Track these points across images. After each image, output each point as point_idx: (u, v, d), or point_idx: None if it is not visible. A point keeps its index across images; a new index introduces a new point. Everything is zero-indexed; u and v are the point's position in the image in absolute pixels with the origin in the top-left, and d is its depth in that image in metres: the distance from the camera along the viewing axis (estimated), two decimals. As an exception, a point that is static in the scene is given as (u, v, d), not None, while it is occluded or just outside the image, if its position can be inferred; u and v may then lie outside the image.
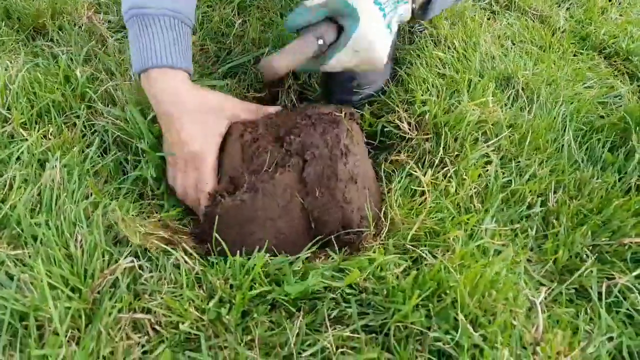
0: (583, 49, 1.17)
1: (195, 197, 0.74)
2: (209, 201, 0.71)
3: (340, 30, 0.70)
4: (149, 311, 0.59)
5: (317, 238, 0.68)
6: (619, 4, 1.36)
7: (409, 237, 0.69)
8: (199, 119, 0.73)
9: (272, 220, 0.67)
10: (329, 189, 0.66)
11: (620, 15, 1.29)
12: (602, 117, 0.96)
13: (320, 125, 0.71)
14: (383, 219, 0.73)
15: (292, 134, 0.71)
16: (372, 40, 0.69)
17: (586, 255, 0.73)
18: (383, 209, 0.75)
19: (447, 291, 0.61)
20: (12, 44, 0.97)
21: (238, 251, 0.66)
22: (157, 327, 0.58)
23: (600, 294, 0.68)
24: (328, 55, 0.70)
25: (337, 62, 0.71)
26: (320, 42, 0.69)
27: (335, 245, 0.68)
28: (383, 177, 0.82)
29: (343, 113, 0.76)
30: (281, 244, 0.68)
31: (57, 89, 0.84)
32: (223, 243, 0.65)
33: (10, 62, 0.87)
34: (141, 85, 0.74)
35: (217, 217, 0.67)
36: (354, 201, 0.68)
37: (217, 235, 0.66)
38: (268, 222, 0.67)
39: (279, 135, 0.73)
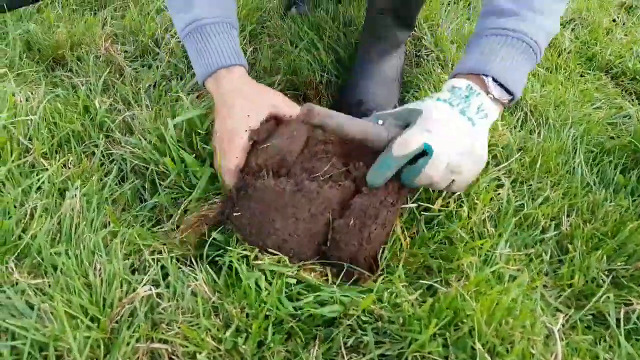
0: (590, 70, 1.18)
1: (222, 171, 0.75)
2: (233, 179, 0.72)
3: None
4: (166, 341, 0.59)
5: (323, 253, 0.69)
6: (623, 24, 1.37)
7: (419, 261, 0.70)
8: (247, 105, 0.76)
9: (297, 220, 0.68)
10: (363, 225, 0.66)
11: (625, 35, 1.30)
12: (612, 138, 0.96)
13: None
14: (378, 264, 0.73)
15: (363, 161, 0.69)
16: (441, 118, 0.64)
17: (602, 280, 0.73)
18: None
19: (464, 319, 0.61)
20: (32, 75, 1.00)
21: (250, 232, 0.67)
22: (175, 357, 0.58)
23: (618, 320, 0.67)
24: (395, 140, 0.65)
25: (411, 141, 0.63)
26: (380, 122, 0.66)
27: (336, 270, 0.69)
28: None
29: None
30: (291, 244, 0.68)
31: (77, 119, 0.86)
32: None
33: (32, 93, 0.90)
34: (209, 89, 0.80)
35: (253, 189, 0.69)
36: (373, 243, 0.68)
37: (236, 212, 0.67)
38: (292, 220, 0.68)
39: (347, 153, 0.72)
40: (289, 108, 0.79)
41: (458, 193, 0.79)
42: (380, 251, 0.72)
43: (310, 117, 0.62)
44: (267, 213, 0.68)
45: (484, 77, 0.69)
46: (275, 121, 0.78)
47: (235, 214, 0.70)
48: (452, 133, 0.64)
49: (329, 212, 0.68)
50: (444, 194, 0.78)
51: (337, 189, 0.68)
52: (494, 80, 0.69)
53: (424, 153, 0.64)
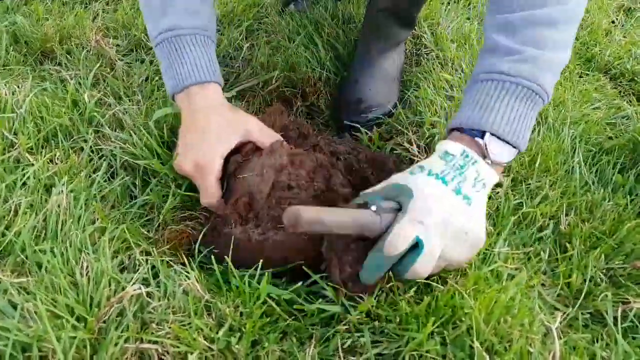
0: (589, 71, 1.18)
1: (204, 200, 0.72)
2: (218, 210, 0.70)
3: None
4: (156, 341, 0.57)
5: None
6: (622, 26, 1.37)
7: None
8: (222, 125, 0.72)
9: (267, 263, 0.65)
10: (340, 259, 0.63)
11: (624, 36, 1.30)
12: (610, 138, 0.95)
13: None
14: None
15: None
16: (433, 206, 0.57)
17: (600, 279, 0.72)
18: None
19: (462, 318, 0.60)
20: (20, 69, 0.97)
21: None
22: (165, 358, 0.56)
23: (615, 318, 0.66)
24: (385, 236, 0.57)
25: (401, 236, 0.55)
26: (374, 207, 0.59)
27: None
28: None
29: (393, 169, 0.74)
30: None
31: (65, 113, 0.84)
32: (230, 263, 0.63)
33: (18, 87, 0.88)
34: (178, 104, 0.75)
35: (222, 234, 0.68)
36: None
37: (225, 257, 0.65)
38: (263, 259, 0.65)
39: (316, 197, 0.67)
40: (261, 135, 0.74)
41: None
42: None
43: (296, 227, 0.55)
44: (239, 255, 0.65)
45: (479, 139, 0.62)
46: (254, 146, 0.74)
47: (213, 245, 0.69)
48: (446, 222, 0.57)
49: (302, 253, 0.65)
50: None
51: (303, 238, 0.65)
52: (492, 134, 0.62)
53: (416, 245, 0.57)
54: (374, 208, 0.58)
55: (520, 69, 0.62)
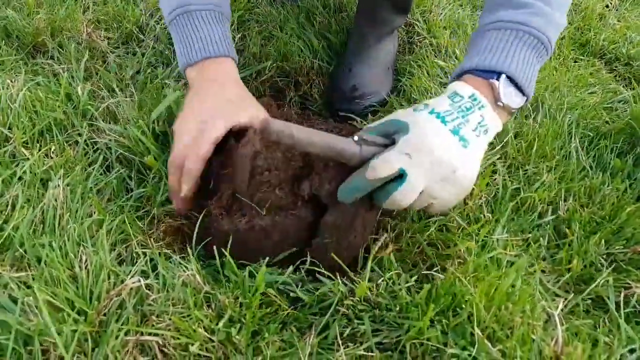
0: (583, 55, 1.17)
1: (182, 160, 0.67)
2: (196, 165, 0.67)
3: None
4: (156, 333, 0.57)
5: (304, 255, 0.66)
6: (616, 10, 1.36)
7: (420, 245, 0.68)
8: (233, 101, 0.70)
9: (262, 250, 0.66)
10: (338, 238, 0.64)
11: (619, 21, 1.29)
12: (607, 122, 0.95)
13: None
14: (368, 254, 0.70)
15: (323, 178, 0.64)
16: (427, 141, 0.56)
17: (601, 264, 0.72)
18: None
19: (463, 305, 0.60)
20: (12, 63, 0.96)
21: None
22: (166, 350, 0.56)
23: (617, 304, 0.67)
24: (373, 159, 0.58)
25: (386, 164, 0.56)
26: (356, 137, 0.59)
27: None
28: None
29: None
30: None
31: (59, 107, 0.83)
32: (230, 257, 0.63)
33: (11, 81, 0.86)
34: (189, 77, 0.74)
35: (211, 229, 0.67)
36: (355, 247, 0.66)
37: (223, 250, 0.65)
38: (257, 251, 0.66)
39: (298, 172, 0.67)
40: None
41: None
42: (363, 248, 0.70)
43: (264, 134, 0.56)
44: (233, 248, 0.64)
45: (493, 81, 0.62)
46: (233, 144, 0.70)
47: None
48: (436, 159, 0.56)
49: (293, 236, 0.65)
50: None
51: (290, 218, 0.65)
52: (508, 78, 0.62)
53: (400, 175, 0.57)
54: (355, 138, 0.59)
55: (532, 20, 0.64)
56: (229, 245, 0.65)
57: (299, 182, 0.67)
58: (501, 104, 0.62)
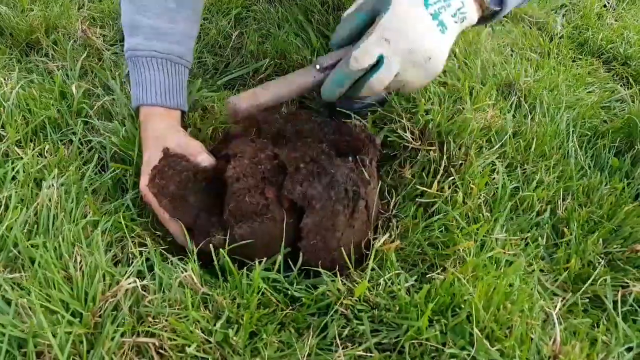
0: (581, 55, 1.18)
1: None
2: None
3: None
4: (153, 334, 0.56)
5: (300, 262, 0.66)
6: (614, 9, 1.36)
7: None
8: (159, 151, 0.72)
9: (251, 254, 0.65)
10: (324, 239, 0.64)
11: (616, 20, 1.29)
12: (605, 122, 0.95)
13: (326, 177, 0.65)
14: (369, 252, 0.70)
15: (294, 181, 0.65)
16: (406, 26, 0.58)
17: (599, 263, 0.72)
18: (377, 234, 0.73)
19: (461, 305, 0.60)
20: (5, 61, 0.95)
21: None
22: (162, 351, 0.56)
23: (615, 303, 0.67)
24: (353, 48, 0.60)
25: (367, 53, 0.59)
26: (317, 66, 0.64)
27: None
28: (386, 192, 0.81)
29: (365, 140, 0.72)
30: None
31: (53, 105, 0.82)
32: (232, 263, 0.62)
33: (4, 79, 0.85)
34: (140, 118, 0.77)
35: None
36: (347, 245, 0.66)
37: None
38: (247, 255, 0.66)
39: (267, 176, 0.67)
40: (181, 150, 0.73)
41: (452, 178, 0.77)
42: (367, 241, 0.70)
43: (236, 117, 0.60)
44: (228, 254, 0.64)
45: None
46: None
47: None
48: (414, 46, 0.58)
49: (278, 240, 0.65)
50: (438, 176, 0.76)
51: (267, 223, 0.64)
52: None
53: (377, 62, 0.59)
54: (317, 67, 0.64)
55: None
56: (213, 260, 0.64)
57: (270, 185, 0.67)
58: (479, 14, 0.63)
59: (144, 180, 0.70)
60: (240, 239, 0.64)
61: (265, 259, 0.65)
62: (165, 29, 0.76)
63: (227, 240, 0.65)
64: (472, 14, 0.63)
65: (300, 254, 0.65)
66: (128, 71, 0.80)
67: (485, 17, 0.67)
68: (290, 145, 0.71)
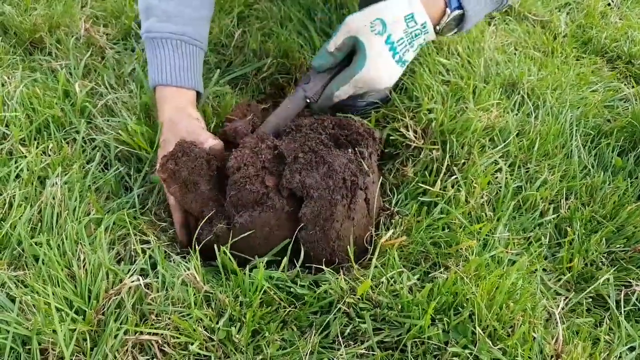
0: (585, 54, 1.17)
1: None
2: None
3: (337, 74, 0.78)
4: (156, 332, 0.56)
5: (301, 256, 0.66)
6: (618, 8, 1.35)
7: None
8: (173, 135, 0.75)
9: (252, 246, 0.66)
10: (323, 229, 0.64)
11: (620, 19, 1.29)
12: (609, 121, 0.95)
13: (324, 166, 0.66)
14: (370, 247, 0.71)
15: (293, 170, 0.66)
16: (376, 78, 0.74)
17: (602, 262, 0.72)
18: (379, 228, 0.73)
19: (464, 304, 0.60)
20: (9, 60, 0.95)
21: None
22: (165, 349, 0.56)
23: (618, 302, 0.66)
24: (334, 87, 0.77)
25: (344, 94, 0.77)
26: (308, 100, 0.79)
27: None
28: (388, 190, 0.81)
29: (364, 134, 0.73)
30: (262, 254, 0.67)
31: (56, 103, 0.82)
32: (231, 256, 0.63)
33: (8, 78, 0.86)
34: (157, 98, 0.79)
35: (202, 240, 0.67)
36: (346, 237, 0.66)
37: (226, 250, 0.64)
38: (248, 247, 0.66)
39: (267, 165, 0.68)
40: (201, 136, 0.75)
41: (455, 177, 0.77)
42: (368, 236, 0.70)
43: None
44: (230, 248, 0.65)
45: (449, 11, 0.73)
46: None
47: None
48: (378, 86, 0.75)
49: (278, 229, 0.66)
50: (441, 175, 0.76)
51: (267, 211, 0.65)
52: (459, 8, 0.73)
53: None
54: (308, 101, 0.79)
55: None
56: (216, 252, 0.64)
57: (270, 174, 0.68)
58: (438, 29, 0.75)
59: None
60: (240, 228, 0.65)
61: (267, 251, 0.66)
62: (177, 12, 0.78)
63: (229, 229, 0.65)
64: (431, 36, 0.75)
65: (302, 247, 0.65)
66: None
67: (440, 32, 0.78)
68: (290, 137, 0.72)
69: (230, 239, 0.65)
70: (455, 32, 0.78)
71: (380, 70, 0.74)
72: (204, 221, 0.67)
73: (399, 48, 0.74)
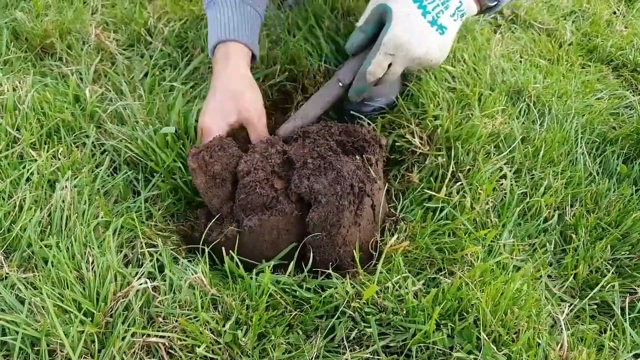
0: (591, 62, 1.17)
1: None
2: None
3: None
4: (163, 335, 0.57)
5: (307, 260, 0.67)
6: (623, 16, 1.36)
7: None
8: (221, 100, 0.76)
9: (261, 250, 0.67)
10: (330, 234, 0.65)
11: (626, 27, 1.29)
12: (614, 128, 0.95)
13: (332, 172, 0.67)
14: (375, 252, 0.71)
15: (301, 175, 0.67)
16: (406, 40, 0.68)
17: (606, 269, 0.72)
18: (386, 234, 0.73)
19: (469, 309, 0.60)
20: (20, 64, 0.97)
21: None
22: (172, 351, 0.56)
23: (623, 309, 0.66)
24: (365, 63, 0.72)
25: (378, 67, 0.71)
26: (340, 83, 0.76)
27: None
28: (394, 196, 0.81)
29: (371, 141, 0.73)
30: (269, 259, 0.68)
31: (67, 108, 0.84)
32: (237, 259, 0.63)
33: (19, 83, 0.87)
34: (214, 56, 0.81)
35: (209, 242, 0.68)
36: (352, 242, 0.67)
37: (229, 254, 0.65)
38: (256, 251, 0.67)
39: (277, 170, 0.70)
40: (254, 128, 0.77)
41: (460, 183, 0.77)
42: (373, 242, 0.70)
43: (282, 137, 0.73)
44: (238, 251, 0.66)
45: None
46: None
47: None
48: (414, 56, 0.70)
49: (286, 234, 0.67)
50: (446, 181, 0.77)
51: (276, 215, 0.66)
52: None
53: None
54: (341, 84, 0.76)
55: None
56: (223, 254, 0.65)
57: (279, 179, 0.69)
58: None
59: (202, 118, 0.75)
60: (249, 231, 0.66)
61: (274, 255, 0.67)
62: None
63: (239, 232, 0.66)
64: (471, 9, 0.71)
65: (311, 253, 0.66)
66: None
67: (483, 11, 0.74)
68: (299, 142, 0.73)
69: (238, 242, 0.65)
70: (495, 6, 0.74)
71: (410, 31, 0.68)
72: (214, 220, 0.69)
73: (429, 7, 0.69)
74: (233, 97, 0.76)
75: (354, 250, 0.66)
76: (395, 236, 0.70)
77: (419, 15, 0.68)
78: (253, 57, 0.84)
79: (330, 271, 0.65)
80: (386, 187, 0.76)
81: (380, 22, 0.71)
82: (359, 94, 0.74)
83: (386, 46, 0.69)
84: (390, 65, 0.70)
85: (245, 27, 0.80)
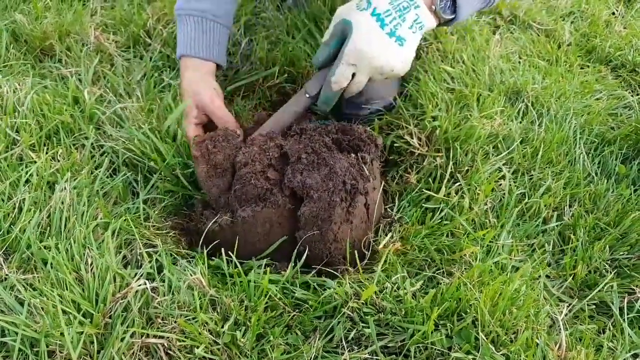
0: (589, 62, 1.17)
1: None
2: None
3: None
4: (162, 335, 0.57)
5: (297, 257, 0.67)
6: (622, 17, 1.36)
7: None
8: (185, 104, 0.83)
9: (253, 243, 0.68)
10: (321, 230, 0.65)
11: (624, 28, 1.29)
12: (612, 129, 0.95)
13: (325, 168, 0.67)
14: (367, 252, 0.71)
15: (295, 170, 0.68)
16: (366, 50, 0.71)
17: (605, 269, 0.72)
18: (380, 233, 0.74)
19: (467, 310, 0.60)
20: (20, 66, 0.97)
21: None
22: (171, 352, 0.57)
23: (621, 309, 0.67)
24: (330, 73, 0.74)
25: (341, 76, 0.73)
26: (307, 95, 0.78)
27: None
28: (391, 196, 0.81)
29: (366, 140, 0.74)
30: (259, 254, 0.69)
31: (66, 110, 0.84)
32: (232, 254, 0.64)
33: (19, 84, 0.87)
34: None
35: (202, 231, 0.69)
36: (344, 239, 0.67)
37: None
38: (248, 243, 0.68)
39: (273, 163, 0.71)
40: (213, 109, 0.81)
41: (459, 183, 0.77)
42: (366, 241, 0.71)
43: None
44: (226, 243, 0.67)
45: None
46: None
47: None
48: (376, 65, 0.72)
49: (279, 227, 0.68)
50: (445, 182, 0.77)
51: (269, 207, 0.67)
52: None
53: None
54: (307, 95, 0.78)
55: None
56: (217, 243, 0.67)
57: (275, 172, 0.70)
58: (434, 8, 0.73)
59: (184, 125, 0.81)
60: (242, 222, 0.66)
61: (266, 248, 0.67)
62: None
63: (233, 222, 0.67)
64: (430, 22, 0.73)
65: (302, 248, 0.66)
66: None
67: (443, 24, 0.77)
68: (295, 138, 0.73)
69: (231, 232, 0.66)
70: (453, 19, 0.76)
71: (369, 43, 0.71)
72: (209, 209, 0.70)
73: (387, 20, 0.71)
74: (189, 96, 0.83)
75: (346, 247, 0.67)
76: (388, 236, 0.70)
77: (377, 27, 0.71)
78: (218, 65, 0.90)
79: (320, 267, 0.65)
80: (382, 187, 0.76)
81: (343, 35, 0.74)
82: (327, 102, 0.77)
83: (348, 56, 0.72)
84: (354, 75, 0.73)
85: (204, 42, 0.87)
